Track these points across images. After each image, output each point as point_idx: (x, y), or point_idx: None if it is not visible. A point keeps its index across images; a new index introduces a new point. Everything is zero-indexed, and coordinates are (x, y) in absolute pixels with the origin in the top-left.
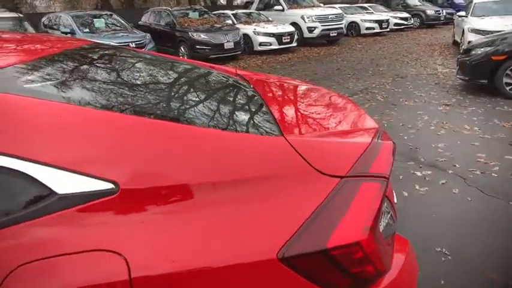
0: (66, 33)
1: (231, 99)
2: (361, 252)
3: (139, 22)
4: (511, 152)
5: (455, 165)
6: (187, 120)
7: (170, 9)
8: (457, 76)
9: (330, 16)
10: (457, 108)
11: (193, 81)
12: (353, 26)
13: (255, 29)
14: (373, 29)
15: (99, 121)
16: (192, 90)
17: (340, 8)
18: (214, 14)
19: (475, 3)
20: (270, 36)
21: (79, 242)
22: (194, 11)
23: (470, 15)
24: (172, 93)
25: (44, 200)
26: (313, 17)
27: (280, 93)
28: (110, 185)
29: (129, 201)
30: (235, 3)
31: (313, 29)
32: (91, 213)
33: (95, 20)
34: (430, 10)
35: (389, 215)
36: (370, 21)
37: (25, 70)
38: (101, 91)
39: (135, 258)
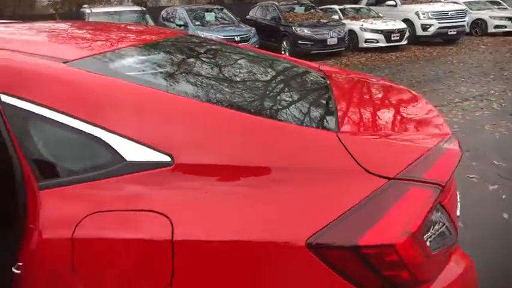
0: (180, 25)
1: (301, 92)
2: (396, 256)
3: (247, 16)
4: None
5: None
6: (249, 109)
7: (277, 3)
8: None
9: (450, 12)
10: None
11: (266, 73)
12: (478, 24)
13: (362, 24)
14: (505, 27)
15: (175, 104)
16: (261, 81)
17: (465, 3)
18: (321, 9)
19: None
20: (377, 33)
21: (135, 201)
22: (300, 6)
23: None
24: (242, 85)
25: (116, 164)
26: (429, 14)
27: (355, 90)
28: (167, 158)
29: (183, 174)
30: None
31: (428, 26)
32: (148, 179)
33: (206, 13)
34: None
35: (444, 226)
36: (501, 18)
37: (122, 57)
38: (180, 79)
39: (179, 223)
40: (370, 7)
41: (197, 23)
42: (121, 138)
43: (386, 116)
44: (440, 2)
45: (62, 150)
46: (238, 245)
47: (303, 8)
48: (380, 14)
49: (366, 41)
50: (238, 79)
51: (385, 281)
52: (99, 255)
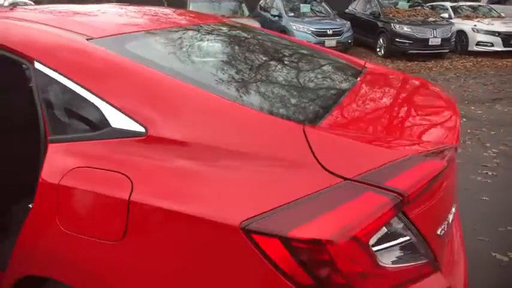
0: (274, 15)
1: (309, 82)
2: (327, 256)
3: (346, 10)
4: None
5: None
6: (226, 91)
7: None
8: None
9: None
10: None
11: (277, 57)
12: None
13: (475, 25)
14: None
15: (160, 84)
16: (264, 64)
17: None
18: (430, 6)
19: None
20: (493, 34)
21: (109, 162)
22: (407, 1)
23: None
24: (237, 69)
25: (103, 129)
26: None
27: (378, 89)
28: (142, 129)
29: (152, 145)
30: None
31: None
32: (124, 144)
33: (301, 5)
34: None
35: (408, 242)
36: None
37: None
38: (175, 61)
39: (138, 187)
40: (492, 5)
41: (291, 14)
42: (112, 107)
43: (385, 117)
44: None
45: (67, 113)
46: (182, 216)
47: (407, 4)
48: (502, 14)
49: (478, 43)
50: (223, 60)
51: (317, 281)
52: (74, 202)
